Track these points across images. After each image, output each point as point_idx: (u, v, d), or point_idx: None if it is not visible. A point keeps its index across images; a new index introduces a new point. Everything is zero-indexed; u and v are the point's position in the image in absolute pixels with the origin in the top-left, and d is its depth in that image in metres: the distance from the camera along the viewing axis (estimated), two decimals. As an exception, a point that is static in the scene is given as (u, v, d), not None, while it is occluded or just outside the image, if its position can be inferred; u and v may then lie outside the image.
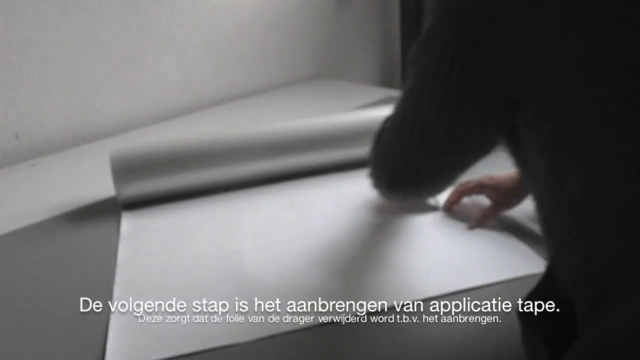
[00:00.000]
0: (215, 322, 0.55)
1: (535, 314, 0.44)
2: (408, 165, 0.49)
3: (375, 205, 0.76)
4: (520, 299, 0.46)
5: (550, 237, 0.41)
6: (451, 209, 0.73)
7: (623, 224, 0.34)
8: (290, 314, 0.56)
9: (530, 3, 0.37)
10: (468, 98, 0.42)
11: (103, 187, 0.88)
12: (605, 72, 0.34)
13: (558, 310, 0.42)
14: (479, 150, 0.46)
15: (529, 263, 0.61)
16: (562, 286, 0.40)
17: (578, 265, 0.37)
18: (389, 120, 0.52)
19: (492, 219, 0.69)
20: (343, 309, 0.56)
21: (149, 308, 0.58)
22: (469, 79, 0.42)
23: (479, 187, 0.69)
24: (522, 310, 0.45)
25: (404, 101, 0.48)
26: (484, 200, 0.72)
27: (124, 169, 0.77)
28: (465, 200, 0.74)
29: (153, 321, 0.56)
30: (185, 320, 0.56)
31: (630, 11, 0.34)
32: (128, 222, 0.76)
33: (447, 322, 0.53)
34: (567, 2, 0.35)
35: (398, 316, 0.54)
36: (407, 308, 0.55)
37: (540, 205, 0.42)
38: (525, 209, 0.70)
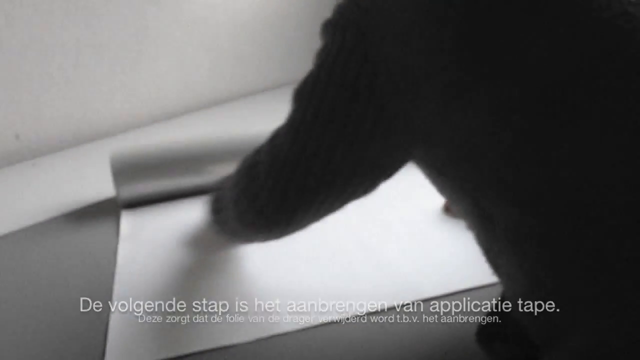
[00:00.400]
0: (215, 322, 0.55)
1: (496, 337, 0.43)
2: (287, 202, 0.45)
3: (375, 205, 0.76)
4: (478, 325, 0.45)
5: (495, 268, 0.40)
6: (450, 210, 0.72)
7: (556, 255, 0.33)
8: (290, 314, 0.56)
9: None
10: (369, 133, 0.41)
11: (103, 187, 0.88)
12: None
13: (518, 332, 0.41)
14: (375, 179, 0.44)
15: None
16: (514, 314, 0.39)
17: (524, 296, 0.36)
18: (264, 153, 0.48)
19: None
20: (343, 309, 0.56)
21: (149, 308, 0.58)
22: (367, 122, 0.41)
23: None
24: (481, 336, 0.44)
25: (288, 134, 0.45)
26: None
27: (123, 169, 0.77)
28: None
29: (153, 321, 0.56)
30: (185, 320, 0.56)
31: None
32: (128, 222, 0.76)
33: (447, 322, 0.53)
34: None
35: (398, 316, 0.54)
36: (407, 308, 0.55)
37: (477, 239, 0.41)
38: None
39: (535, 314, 0.35)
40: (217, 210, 0.55)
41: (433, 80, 0.36)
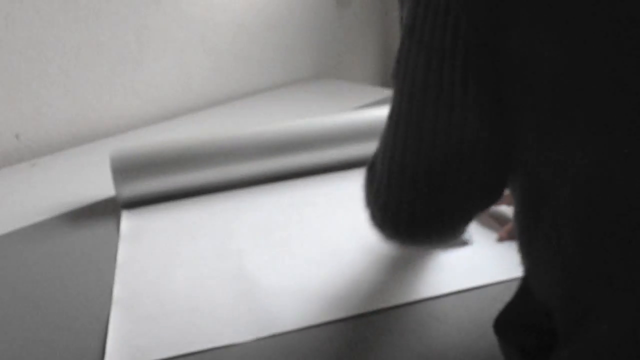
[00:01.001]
0: (215, 322, 0.55)
1: (512, 327, 0.43)
2: (401, 204, 0.42)
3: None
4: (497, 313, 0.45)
5: (527, 250, 0.39)
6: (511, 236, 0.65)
7: (605, 242, 0.33)
8: (290, 314, 0.56)
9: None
10: (462, 102, 0.39)
11: (103, 187, 0.88)
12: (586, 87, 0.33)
13: (535, 322, 0.41)
14: (482, 171, 0.41)
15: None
16: (539, 299, 0.39)
17: (556, 281, 0.36)
18: (378, 150, 0.45)
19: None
20: (343, 309, 0.56)
21: (149, 308, 0.58)
22: (460, 83, 0.39)
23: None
24: (498, 324, 0.43)
25: (391, 126, 0.42)
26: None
27: (123, 169, 0.77)
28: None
29: (153, 321, 0.56)
30: (185, 320, 0.56)
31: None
32: (128, 222, 0.76)
33: (447, 322, 0.53)
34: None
35: (398, 316, 0.54)
36: (407, 308, 0.55)
37: (520, 217, 0.40)
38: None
39: (566, 298, 0.35)
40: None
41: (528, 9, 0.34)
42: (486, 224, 0.68)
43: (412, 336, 0.52)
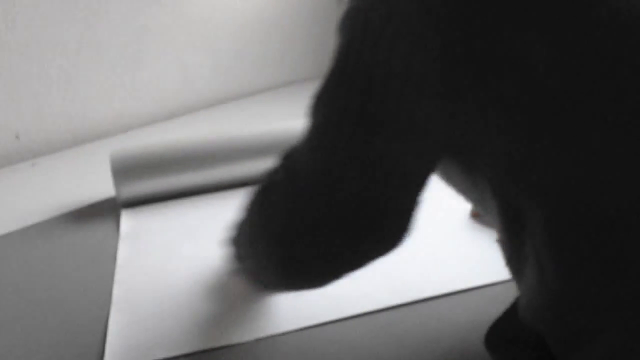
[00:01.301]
0: (215, 322, 0.55)
1: (503, 342, 0.42)
2: (318, 230, 0.39)
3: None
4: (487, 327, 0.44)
5: (516, 277, 0.39)
6: (478, 216, 0.67)
7: (583, 263, 0.32)
8: (290, 313, 0.56)
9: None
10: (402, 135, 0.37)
11: (103, 187, 0.88)
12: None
13: (526, 337, 0.40)
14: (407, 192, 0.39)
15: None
16: (530, 326, 0.38)
17: (544, 306, 0.35)
18: (279, 175, 0.42)
19: None
20: (343, 309, 0.56)
21: (148, 308, 0.58)
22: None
23: None
24: (489, 339, 0.43)
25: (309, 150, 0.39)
26: None
27: (124, 169, 0.77)
28: None
29: (153, 321, 0.56)
30: (185, 320, 0.56)
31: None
32: (128, 222, 0.76)
33: (447, 322, 0.53)
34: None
35: (398, 316, 0.54)
36: (407, 308, 0.55)
37: (504, 244, 0.39)
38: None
39: (556, 323, 0.34)
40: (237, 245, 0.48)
41: (430, 82, 0.35)
42: (486, 224, 0.68)
43: (412, 336, 0.52)
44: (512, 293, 0.56)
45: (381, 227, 0.39)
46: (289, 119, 1.15)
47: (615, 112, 0.31)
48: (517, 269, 0.38)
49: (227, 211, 0.77)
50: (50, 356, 0.53)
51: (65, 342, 0.55)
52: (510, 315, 0.42)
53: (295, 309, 0.56)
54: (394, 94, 0.36)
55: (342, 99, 0.37)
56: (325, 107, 0.39)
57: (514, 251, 0.38)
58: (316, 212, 0.39)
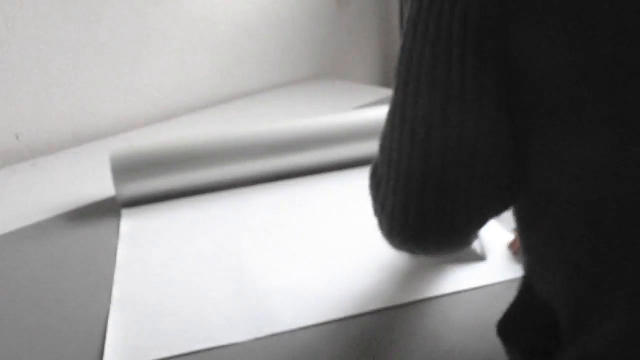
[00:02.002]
0: (214, 322, 0.55)
1: (515, 329, 0.42)
2: (409, 209, 0.39)
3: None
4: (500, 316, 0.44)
5: (529, 248, 0.39)
6: (517, 252, 0.63)
7: (612, 241, 0.32)
8: (289, 313, 0.56)
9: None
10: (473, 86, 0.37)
11: (103, 187, 0.88)
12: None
13: (539, 324, 0.40)
14: (495, 170, 0.38)
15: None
16: (542, 298, 0.38)
17: (560, 280, 0.35)
18: (380, 154, 0.43)
19: None
20: (343, 309, 0.56)
21: (148, 308, 0.58)
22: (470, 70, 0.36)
23: None
24: (501, 327, 0.43)
25: (394, 127, 0.40)
26: None
27: (124, 169, 0.77)
28: None
29: (152, 321, 0.56)
30: (184, 320, 0.56)
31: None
32: (128, 222, 0.76)
33: (447, 322, 0.53)
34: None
35: (398, 316, 0.54)
36: (407, 308, 0.55)
37: (520, 216, 0.39)
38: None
39: (569, 299, 0.35)
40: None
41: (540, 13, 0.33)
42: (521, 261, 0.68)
43: (413, 336, 0.52)
44: (512, 293, 0.56)
45: (492, 176, 0.38)
46: (289, 118, 1.15)
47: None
48: (531, 241, 0.38)
49: (227, 211, 0.77)
50: (50, 356, 0.53)
51: (65, 341, 0.55)
52: (520, 303, 0.42)
53: (295, 309, 0.56)
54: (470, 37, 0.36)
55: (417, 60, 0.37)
56: (400, 76, 0.39)
57: (531, 222, 0.37)
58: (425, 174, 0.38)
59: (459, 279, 0.59)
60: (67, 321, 0.58)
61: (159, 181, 0.79)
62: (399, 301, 0.56)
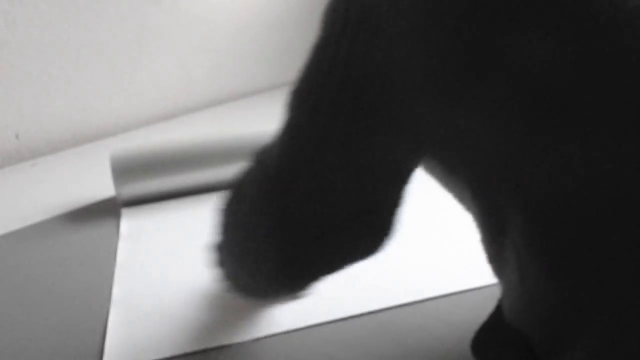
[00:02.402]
0: (214, 322, 0.55)
1: (490, 346, 0.41)
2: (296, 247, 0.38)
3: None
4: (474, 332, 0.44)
5: (498, 278, 0.39)
6: None
7: (564, 268, 0.32)
8: (290, 313, 0.56)
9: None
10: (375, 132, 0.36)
11: (103, 187, 0.88)
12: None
13: (514, 340, 0.39)
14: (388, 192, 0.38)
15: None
16: (514, 326, 0.37)
17: (527, 309, 0.35)
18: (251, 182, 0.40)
19: None
20: (343, 309, 0.56)
21: (148, 308, 0.58)
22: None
23: None
24: (475, 345, 0.42)
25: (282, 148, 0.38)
26: None
27: (124, 169, 0.77)
28: None
29: (152, 321, 0.56)
30: (184, 320, 0.56)
31: None
32: (128, 222, 0.76)
33: (447, 322, 0.53)
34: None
35: (398, 316, 0.54)
36: (407, 308, 0.55)
37: (486, 245, 0.39)
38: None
39: (539, 325, 0.34)
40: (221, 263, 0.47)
41: (430, 81, 0.34)
42: None
43: (412, 336, 0.52)
44: (511, 293, 0.56)
45: (366, 224, 0.38)
46: (289, 119, 1.15)
47: (613, 114, 0.31)
48: (499, 270, 0.38)
49: (227, 211, 0.77)
50: (50, 356, 0.53)
51: (65, 341, 0.55)
52: (495, 320, 0.41)
53: (294, 309, 0.56)
54: (386, 91, 0.36)
55: (325, 93, 0.37)
56: (305, 101, 0.38)
57: (495, 252, 0.37)
58: (297, 211, 0.38)
59: (458, 279, 0.59)
60: (67, 321, 0.58)
61: (159, 181, 0.79)
62: (398, 301, 0.56)
